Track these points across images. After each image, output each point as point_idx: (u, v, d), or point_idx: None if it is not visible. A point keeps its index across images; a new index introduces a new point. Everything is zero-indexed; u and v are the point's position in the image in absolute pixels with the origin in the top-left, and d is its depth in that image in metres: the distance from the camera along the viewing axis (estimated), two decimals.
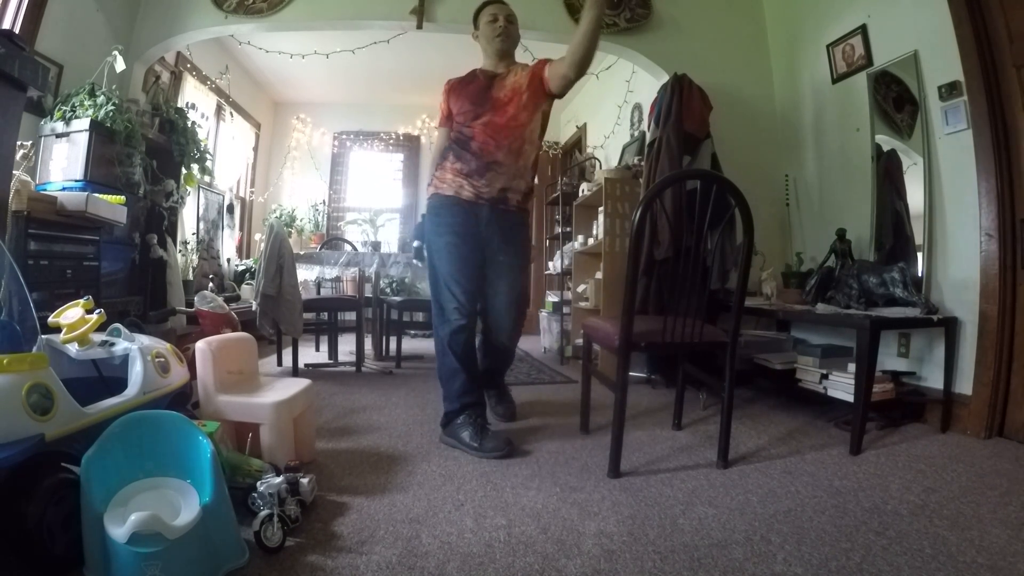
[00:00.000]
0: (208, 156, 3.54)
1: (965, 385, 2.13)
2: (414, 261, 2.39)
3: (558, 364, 3.73)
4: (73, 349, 1.31)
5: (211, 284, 3.98)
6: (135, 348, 1.37)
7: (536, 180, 2.17)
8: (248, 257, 5.22)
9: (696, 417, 2.30)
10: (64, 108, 2.51)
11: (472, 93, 2.04)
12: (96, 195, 2.22)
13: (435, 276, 2.00)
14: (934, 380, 2.24)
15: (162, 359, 1.44)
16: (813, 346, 2.45)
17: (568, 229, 4.39)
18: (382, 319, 3.82)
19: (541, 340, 4.63)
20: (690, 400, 2.38)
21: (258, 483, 1.18)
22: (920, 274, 2.35)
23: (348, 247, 4.25)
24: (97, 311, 1.36)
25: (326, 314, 3.77)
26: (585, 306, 3.71)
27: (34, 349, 1.19)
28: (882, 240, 2.56)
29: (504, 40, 2.04)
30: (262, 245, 3.04)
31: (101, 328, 1.38)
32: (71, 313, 1.34)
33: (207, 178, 4.19)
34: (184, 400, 1.52)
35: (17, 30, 2.35)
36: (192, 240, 4.07)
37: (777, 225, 3.25)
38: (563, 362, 3.80)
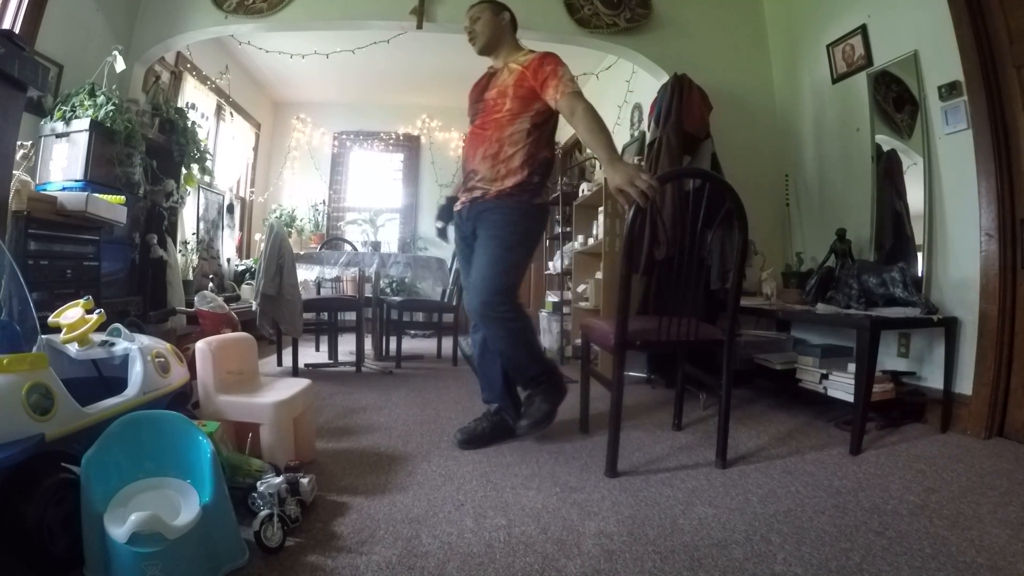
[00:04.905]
0: (208, 156, 3.54)
1: (965, 385, 2.13)
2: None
3: (558, 364, 3.73)
4: (73, 349, 1.30)
5: (211, 284, 3.98)
6: (135, 348, 1.37)
7: (534, 176, 1.89)
8: (248, 257, 5.22)
9: (696, 417, 2.30)
10: (64, 108, 2.51)
11: (473, 94, 2.03)
12: (96, 195, 2.22)
13: None
14: (934, 380, 2.24)
15: (162, 359, 1.44)
16: (813, 346, 2.45)
17: (568, 229, 4.39)
18: (382, 319, 3.82)
19: (541, 340, 4.63)
20: (690, 400, 2.38)
21: (258, 483, 1.18)
22: (920, 274, 2.35)
23: (348, 247, 4.24)
24: (97, 311, 1.36)
25: (326, 314, 3.77)
26: (585, 306, 3.71)
27: (34, 349, 1.20)
28: (882, 240, 2.56)
29: (475, 42, 2.00)
30: (262, 245, 3.04)
31: (101, 328, 1.38)
32: (71, 313, 1.34)
33: (207, 178, 4.19)
34: (184, 400, 1.52)
35: (17, 30, 2.35)
36: (192, 240, 4.07)
37: (777, 225, 3.25)
38: (563, 362, 3.80)
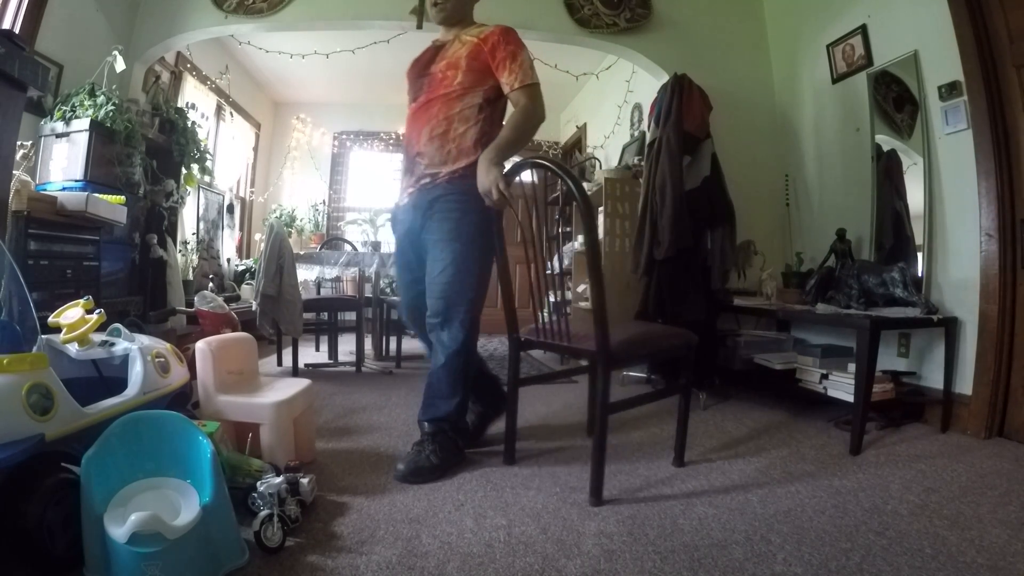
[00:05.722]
0: (208, 156, 3.54)
1: (965, 385, 2.13)
2: None
3: (558, 364, 3.73)
4: (73, 349, 1.30)
5: (211, 284, 3.98)
6: (135, 348, 1.37)
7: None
8: (248, 257, 5.22)
9: (696, 418, 2.30)
10: (64, 108, 2.51)
11: (415, 69, 1.83)
12: (96, 195, 2.22)
13: None
14: (934, 380, 2.24)
15: (162, 359, 1.44)
16: (813, 346, 2.45)
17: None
18: (382, 319, 3.82)
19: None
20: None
21: (258, 483, 1.18)
22: (920, 274, 2.35)
23: (348, 247, 4.25)
24: (97, 311, 1.36)
25: (326, 314, 3.77)
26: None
27: (34, 349, 1.20)
28: (882, 240, 2.56)
29: (441, 8, 1.79)
30: (262, 245, 3.04)
31: (101, 328, 1.38)
32: (71, 313, 1.34)
33: (207, 178, 4.19)
34: (184, 400, 1.52)
35: (17, 30, 2.35)
36: (192, 240, 4.07)
37: (777, 225, 3.25)
38: (563, 362, 3.79)
